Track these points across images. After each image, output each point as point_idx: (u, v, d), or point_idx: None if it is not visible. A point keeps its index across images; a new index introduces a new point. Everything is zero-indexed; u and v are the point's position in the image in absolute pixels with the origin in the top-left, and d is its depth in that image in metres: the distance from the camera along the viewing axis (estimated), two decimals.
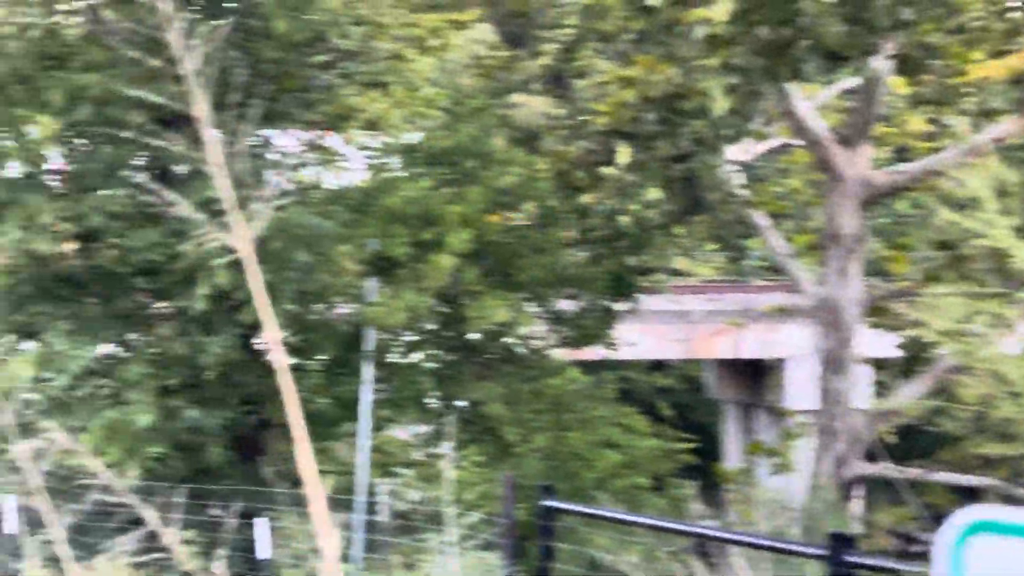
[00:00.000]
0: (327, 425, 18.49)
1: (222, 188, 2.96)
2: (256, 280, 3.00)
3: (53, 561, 14.66)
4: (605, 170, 19.74)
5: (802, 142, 20.13)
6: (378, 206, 17.61)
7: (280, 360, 3.28)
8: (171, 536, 11.54)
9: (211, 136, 2.98)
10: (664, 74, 16.81)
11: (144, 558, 14.26)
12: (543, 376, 18.33)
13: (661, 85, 16.92)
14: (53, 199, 16.18)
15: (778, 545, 9.40)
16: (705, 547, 10.91)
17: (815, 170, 21.13)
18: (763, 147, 23.60)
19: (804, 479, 19.42)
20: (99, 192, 16.68)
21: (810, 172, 22.58)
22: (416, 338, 18.66)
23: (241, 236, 2.87)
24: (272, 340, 3.46)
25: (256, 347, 18.42)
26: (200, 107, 2.96)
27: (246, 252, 2.91)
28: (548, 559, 9.42)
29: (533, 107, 28.85)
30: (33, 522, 15.71)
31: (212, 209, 14.17)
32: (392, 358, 18.49)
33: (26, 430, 16.80)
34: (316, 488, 3.08)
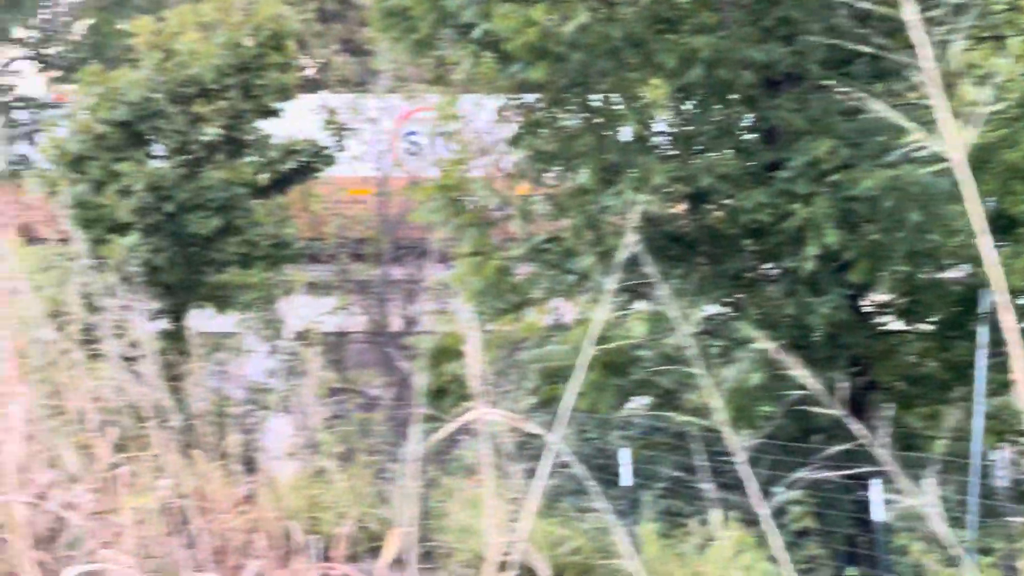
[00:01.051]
0: (937, 389, 17.94)
1: (933, 96, 2.80)
2: (971, 193, 2.82)
3: (667, 514, 15.03)
4: None
5: None
6: (997, 162, 16.84)
7: (1008, 312, 3.08)
8: (782, 496, 11.55)
9: (923, 41, 2.84)
10: None
11: (754, 517, 14.36)
12: None
13: None
14: (663, 161, 16.49)
15: None
16: None
17: None
18: None
19: None
20: (708, 153, 16.86)
21: None
22: None
23: (954, 143, 2.69)
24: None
25: (864, 308, 18.10)
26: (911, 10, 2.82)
27: (958, 161, 2.74)
28: None
29: None
30: (647, 476, 16.18)
31: (821, 168, 13.88)
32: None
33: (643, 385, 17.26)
34: None
